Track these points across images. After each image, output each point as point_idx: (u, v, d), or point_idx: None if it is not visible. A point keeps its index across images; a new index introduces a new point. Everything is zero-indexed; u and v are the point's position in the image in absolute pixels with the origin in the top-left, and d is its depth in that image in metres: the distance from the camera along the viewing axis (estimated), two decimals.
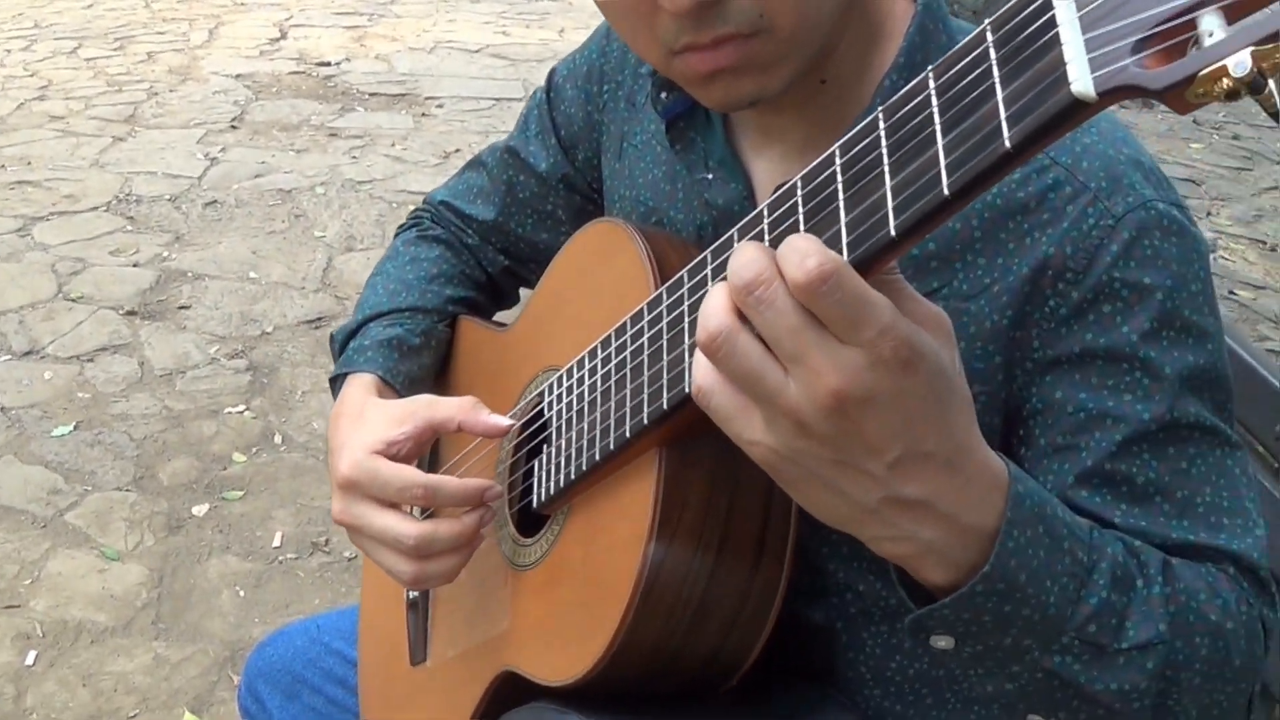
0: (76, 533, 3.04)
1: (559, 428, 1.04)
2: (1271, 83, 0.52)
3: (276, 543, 3.05)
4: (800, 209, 0.72)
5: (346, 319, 1.35)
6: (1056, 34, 0.57)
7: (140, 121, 6.12)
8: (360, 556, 2.09)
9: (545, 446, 1.07)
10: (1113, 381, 0.93)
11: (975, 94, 0.61)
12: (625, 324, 0.93)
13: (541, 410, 1.09)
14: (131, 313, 4.11)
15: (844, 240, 0.67)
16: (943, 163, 0.62)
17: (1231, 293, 4.62)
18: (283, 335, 4.03)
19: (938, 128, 0.63)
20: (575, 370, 1.02)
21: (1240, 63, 0.51)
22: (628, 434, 0.91)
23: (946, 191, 0.61)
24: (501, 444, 1.18)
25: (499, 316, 1.40)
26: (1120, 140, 0.97)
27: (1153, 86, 0.53)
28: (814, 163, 0.72)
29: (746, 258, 0.66)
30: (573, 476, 1.00)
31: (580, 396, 1.00)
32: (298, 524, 3.12)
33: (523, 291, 1.45)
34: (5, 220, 4.81)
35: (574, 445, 1.00)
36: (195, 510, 3.15)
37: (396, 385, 1.27)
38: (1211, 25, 0.52)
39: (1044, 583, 0.79)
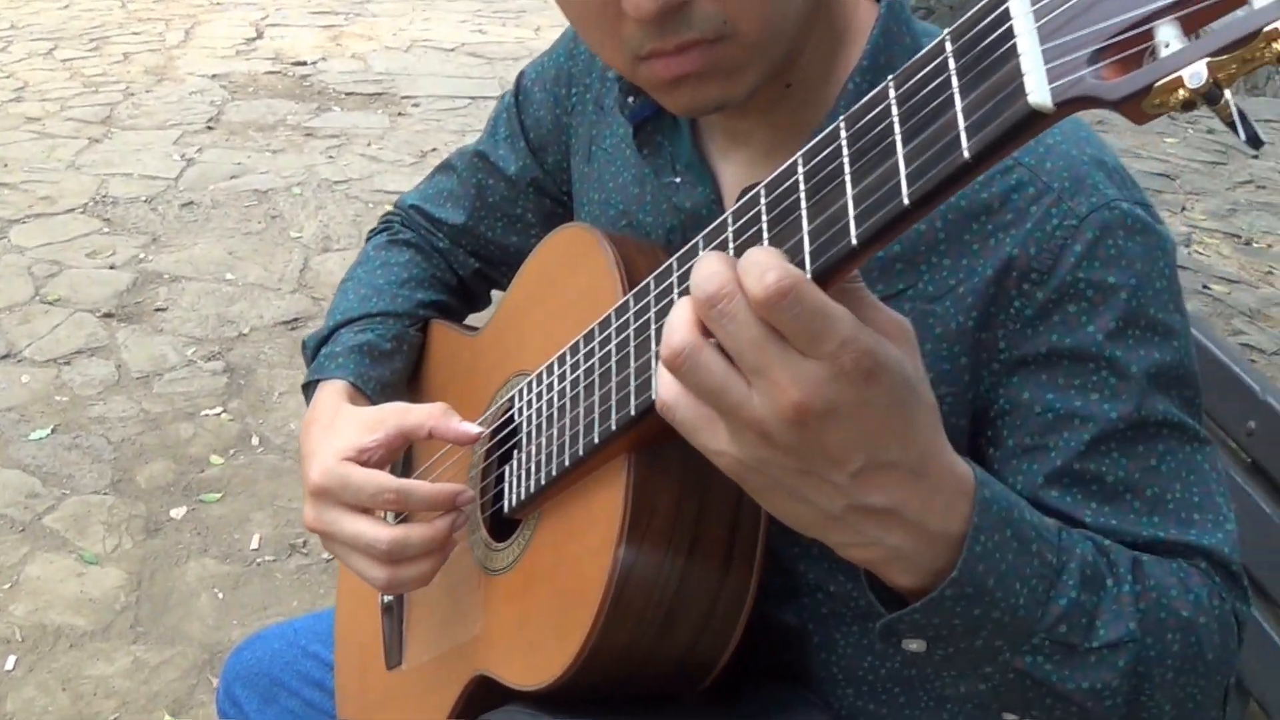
0: (55, 536, 3.03)
1: (529, 433, 1.04)
2: (1227, 93, 0.52)
3: (254, 545, 3.04)
4: (764, 217, 0.72)
5: (323, 320, 1.35)
6: (1014, 45, 0.57)
7: (116, 123, 6.11)
8: None
9: (516, 452, 1.07)
10: (1080, 381, 0.93)
11: (935, 104, 0.61)
12: (593, 330, 0.93)
13: (512, 416, 1.09)
14: (108, 315, 4.10)
15: (806, 249, 0.68)
16: (903, 172, 0.62)
17: (1205, 287, 4.64)
18: (259, 336, 4.02)
19: (898, 137, 0.63)
20: (545, 376, 1.02)
21: (1196, 74, 0.51)
22: (596, 440, 0.91)
23: (907, 201, 0.62)
24: (474, 449, 1.18)
25: (471, 319, 1.40)
26: (1084, 140, 0.97)
27: (1109, 97, 0.54)
28: (778, 170, 0.72)
29: (708, 271, 0.66)
30: (543, 482, 1.00)
31: (550, 403, 1.00)
32: (275, 526, 3.11)
33: (494, 293, 1.45)
34: None
35: (544, 451, 1.00)
36: (173, 513, 3.14)
37: (368, 391, 1.27)
38: (1168, 36, 0.52)
39: (1013, 585, 0.80)
